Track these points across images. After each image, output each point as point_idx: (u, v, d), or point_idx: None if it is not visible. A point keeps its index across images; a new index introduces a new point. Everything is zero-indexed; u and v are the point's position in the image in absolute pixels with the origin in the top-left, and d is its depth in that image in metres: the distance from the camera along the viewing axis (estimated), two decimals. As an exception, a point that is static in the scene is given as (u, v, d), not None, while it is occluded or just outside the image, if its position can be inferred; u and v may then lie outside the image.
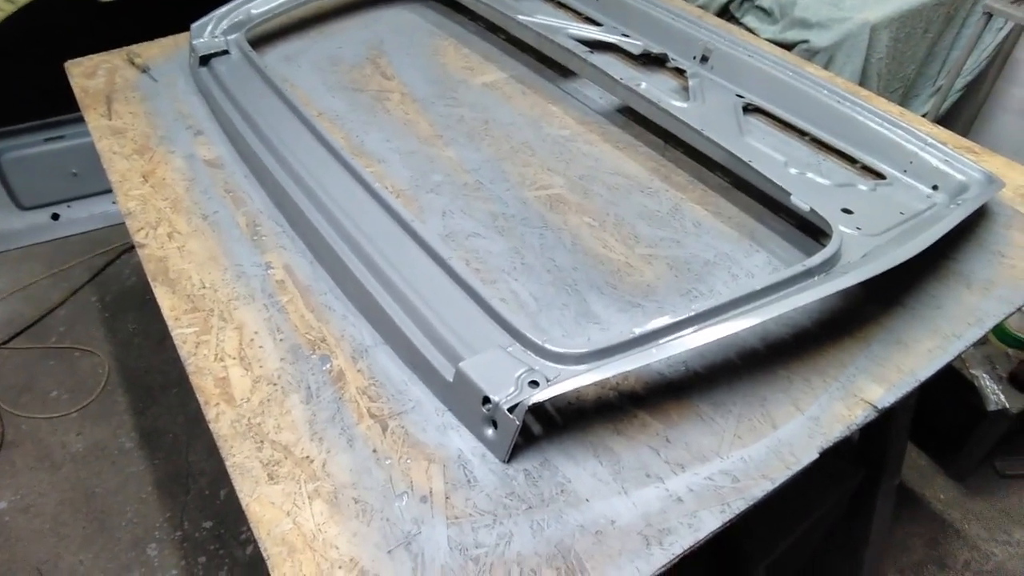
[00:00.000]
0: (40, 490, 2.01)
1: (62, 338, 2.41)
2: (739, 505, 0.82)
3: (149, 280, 1.14)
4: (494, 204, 1.28)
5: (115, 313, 2.50)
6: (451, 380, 0.89)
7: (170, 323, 1.06)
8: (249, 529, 1.92)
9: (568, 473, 0.86)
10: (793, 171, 1.32)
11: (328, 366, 0.99)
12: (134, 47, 1.75)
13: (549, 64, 1.68)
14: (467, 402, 0.88)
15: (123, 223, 2.71)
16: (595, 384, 0.91)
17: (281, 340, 1.03)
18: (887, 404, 0.95)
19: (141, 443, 2.11)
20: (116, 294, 2.57)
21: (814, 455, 0.90)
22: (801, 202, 1.18)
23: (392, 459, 0.87)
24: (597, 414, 0.93)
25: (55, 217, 2.78)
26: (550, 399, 0.84)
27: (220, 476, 2.02)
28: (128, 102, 1.57)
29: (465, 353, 0.90)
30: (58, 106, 2.57)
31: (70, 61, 1.73)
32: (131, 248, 2.72)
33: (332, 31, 1.83)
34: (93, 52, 1.74)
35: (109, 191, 2.80)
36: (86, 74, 1.68)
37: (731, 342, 1.02)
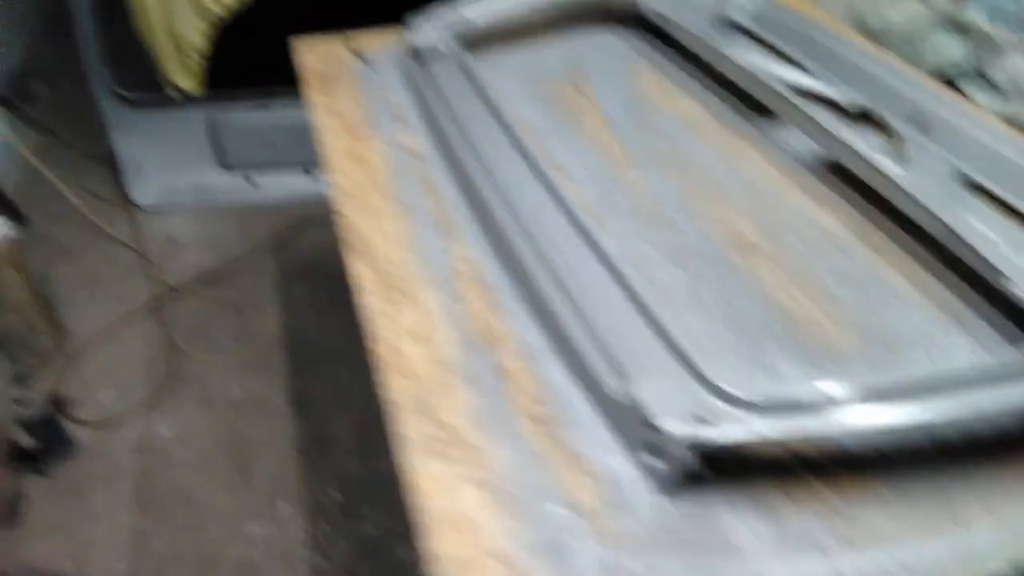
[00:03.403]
0: (198, 426, 2.20)
1: (239, 293, 2.64)
2: (913, 598, 0.75)
3: (343, 248, 1.23)
4: (676, 235, 1.26)
5: (289, 280, 2.70)
6: (617, 399, 0.88)
7: (357, 290, 1.13)
8: (371, 509, 2.01)
9: (727, 522, 0.82)
10: (1015, 258, 1.20)
11: (498, 362, 1.01)
12: (353, 34, 1.90)
13: (749, 103, 1.64)
14: (632, 425, 0.86)
15: (309, 198, 2.92)
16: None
17: (457, 328, 1.06)
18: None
19: (291, 403, 2.26)
20: (293, 263, 2.78)
21: (1003, 567, 0.80)
22: (1022, 291, 1.07)
23: (551, 465, 0.87)
24: (764, 468, 0.88)
25: (250, 181, 3.05)
26: (718, 441, 0.80)
27: (356, 450, 2.12)
28: (345, 84, 1.70)
29: (634, 375, 0.89)
30: (271, 79, 2.84)
31: (296, 39, 1.90)
32: (313, 223, 2.94)
33: (535, 44, 1.88)
34: (306, 32, 1.88)
35: (302, 166, 3.05)
36: (309, 53, 1.83)
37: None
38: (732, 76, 1.65)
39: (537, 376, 0.99)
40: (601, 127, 1.55)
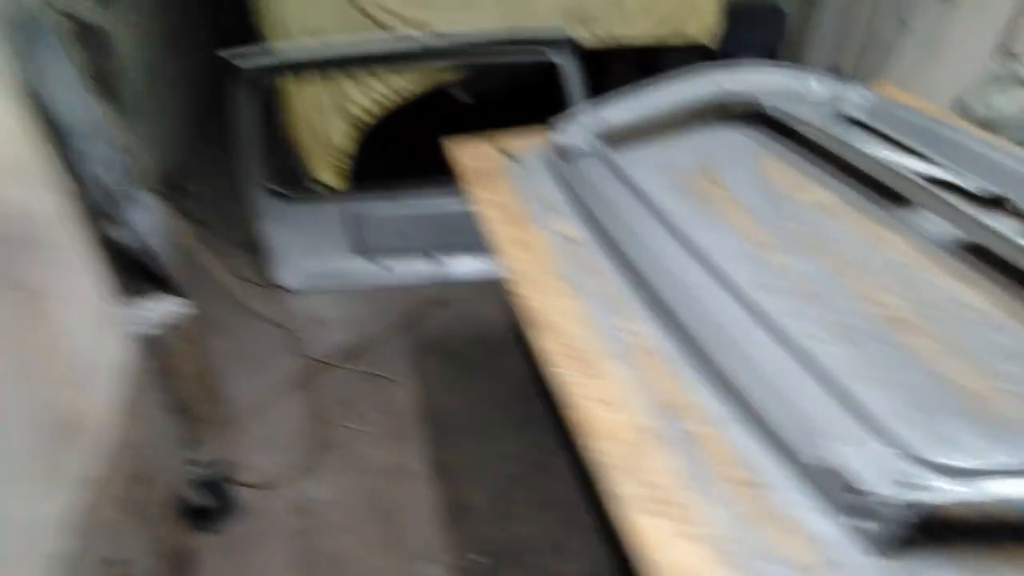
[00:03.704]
0: (349, 490, 2.37)
1: (378, 367, 2.85)
2: None
3: (524, 325, 1.39)
4: (832, 313, 1.37)
5: (422, 356, 2.90)
6: (818, 465, 0.98)
7: (548, 363, 1.28)
8: (510, 572, 2.10)
9: (935, 578, 0.90)
10: None
11: (691, 428, 1.13)
12: (501, 136, 2.13)
13: (879, 190, 1.75)
14: (835, 489, 0.96)
15: (432, 281, 3.14)
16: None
17: (645, 397, 1.19)
18: None
19: (432, 470, 2.41)
20: (424, 340, 2.99)
21: None
22: None
23: (759, 525, 0.97)
24: (966, 531, 0.95)
25: (384, 267, 3.32)
26: (930, 504, 0.89)
27: (494, 516, 2.23)
28: (498, 179, 1.92)
29: (830, 442, 0.99)
30: (408, 176, 3.17)
31: (448, 140, 2.15)
32: (439, 303, 3.16)
33: (666, 141, 2.07)
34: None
35: (430, 253, 3.31)
36: (462, 152, 2.07)
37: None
38: (861, 166, 1.77)
39: (728, 442, 1.10)
40: (741, 214, 1.70)
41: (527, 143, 2.10)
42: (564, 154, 1.90)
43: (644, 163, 1.94)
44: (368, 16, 2.79)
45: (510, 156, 2.03)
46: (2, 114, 1.59)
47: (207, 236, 3.54)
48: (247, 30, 6.71)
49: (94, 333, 1.88)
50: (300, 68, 2.85)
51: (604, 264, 1.55)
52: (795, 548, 0.94)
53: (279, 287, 3.30)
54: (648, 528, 0.98)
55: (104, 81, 3.17)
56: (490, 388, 2.73)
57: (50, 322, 1.65)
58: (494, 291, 3.21)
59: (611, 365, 1.27)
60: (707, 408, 1.16)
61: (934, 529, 0.94)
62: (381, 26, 2.81)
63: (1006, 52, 3.21)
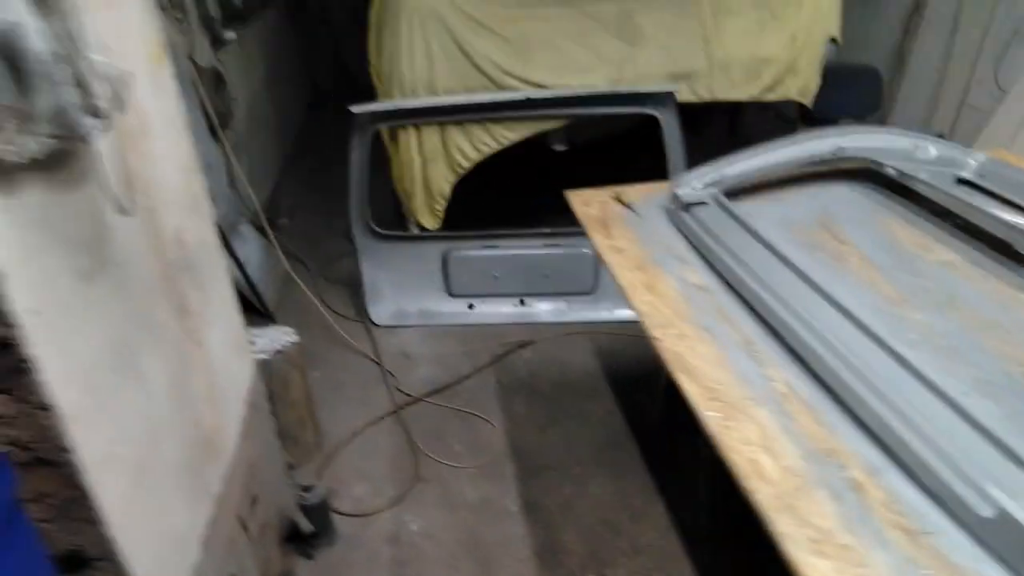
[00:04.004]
0: (441, 524, 2.40)
1: (466, 404, 2.91)
2: None
3: (669, 368, 1.43)
4: (976, 370, 1.37)
5: (509, 394, 2.95)
6: (984, 514, 0.99)
7: (695, 405, 1.32)
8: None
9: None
10: None
11: (845, 475, 1.15)
12: (618, 188, 2.21)
13: (1001, 251, 1.76)
14: (1006, 539, 0.96)
15: (519, 324, 3.23)
16: None
17: (797, 442, 1.21)
18: None
19: (523, 509, 2.43)
20: (510, 379, 3.04)
21: None
22: None
23: (928, 571, 0.98)
24: None
25: (471, 307, 3.41)
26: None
27: (588, 560, 2.23)
28: (620, 228, 1.99)
29: (1001, 495, 1.00)
30: (493, 223, 3.29)
31: (570, 192, 2.23)
32: (525, 344, 3.22)
33: (782, 197, 2.11)
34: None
35: (516, 296, 3.39)
36: (583, 203, 2.15)
37: None
38: (986, 227, 1.79)
39: (889, 490, 1.11)
40: (870, 269, 1.72)
41: (642, 193, 2.17)
42: (685, 205, 1.96)
43: (766, 216, 1.98)
44: (484, 74, 2.95)
45: (627, 205, 2.09)
46: (181, 151, 1.74)
47: (301, 270, 3.69)
48: (342, 83, 7.07)
49: (229, 355, 1.99)
50: (412, 115, 3.01)
51: (734, 310, 1.59)
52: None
53: (371, 322, 3.40)
54: (815, 568, 0.99)
55: (219, 120, 3.39)
56: (579, 431, 2.75)
57: (200, 342, 1.76)
58: (577, 335, 3.26)
59: (756, 409, 1.30)
60: (861, 455, 1.18)
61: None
62: (496, 84, 2.97)
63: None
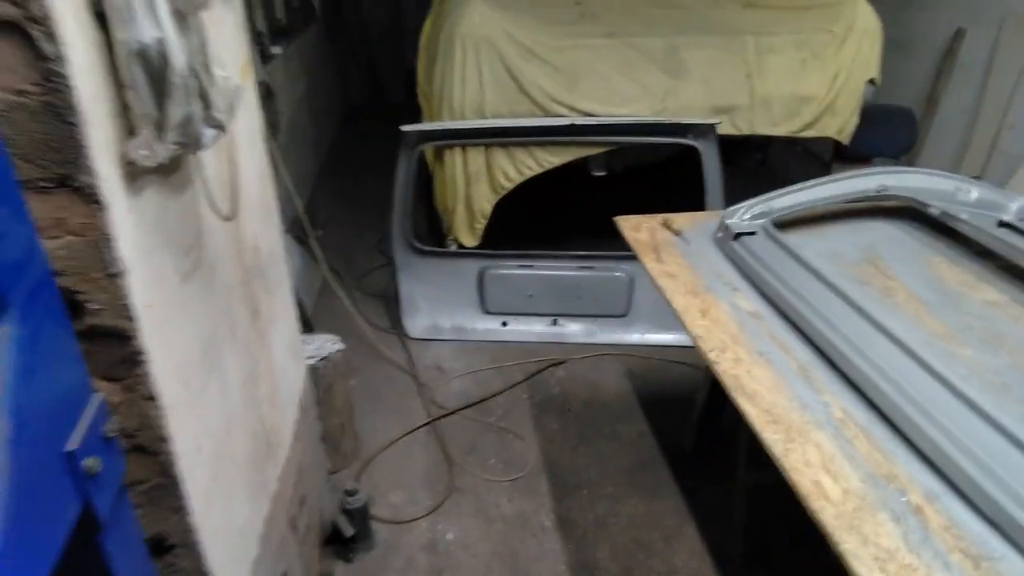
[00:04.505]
0: (476, 535, 2.44)
1: (500, 419, 2.96)
2: None
3: (729, 391, 1.48)
4: (1026, 406, 1.43)
5: (541, 412, 3.01)
6: (1047, 541, 1.04)
7: (757, 428, 1.37)
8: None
9: None
10: None
11: (905, 499, 1.20)
12: (668, 215, 2.28)
13: (1045, 293, 1.82)
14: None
15: (550, 343, 3.29)
16: None
17: (856, 466, 1.27)
18: None
19: (557, 525, 2.47)
20: (543, 397, 3.10)
21: None
22: None
23: (993, 592, 1.03)
24: None
25: (504, 324, 3.47)
26: None
27: (621, 577, 2.28)
28: (671, 254, 2.05)
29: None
30: (529, 243, 3.37)
31: (619, 217, 2.31)
32: (558, 363, 3.28)
33: (827, 232, 2.18)
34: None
35: (550, 315, 3.45)
36: (633, 228, 2.22)
37: None
38: (1030, 268, 1.84)
39: (948, 515, 1.16)
40: (917, 305, 1.78)
41: (689, 221, 2.24)
42: (735, 234, 2.03)
43: (812, 248, 2.04)
44: (533, 100, 3.05)
45: (676, 233, 2.17)
46: (259, 160, 1.83)
47: (336, 281, 3.77)
48: (374, 98, 7.20)
49: (287, 358, 2.06)
50: (460, 136, 3.11)
51: (787, 337, 1.65)
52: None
53: (405, 335, 3.47)
54: (880, 585, 1.05)
55: (268, 132, 3.49)
56: (611, 450, 2.80)
57: (267, 344, 1.84)
58: (608, 357, 3.32)
59: (816, 433, 1.35)
60: (919, 480, 1.23)
61: None
62: (543, 110, 3.06)
63: None
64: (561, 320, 3.47)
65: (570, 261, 3.38)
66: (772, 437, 1.34)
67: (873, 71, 3.24)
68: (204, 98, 1.18)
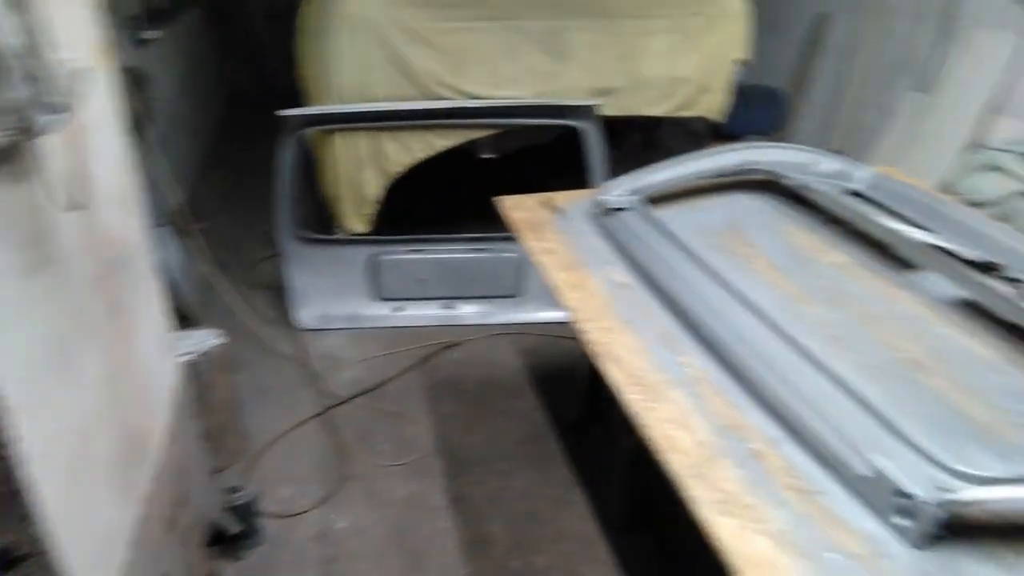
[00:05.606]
0: (369, 520, 2.43)
1: (393, 404, 2.95)
2: None
3: (596, 357, 1.54)
4: (860, 356, 1.55)
5: (435, 395, 3.02)
6: (866, 474, 1.15)
7: (620, 389, 1.43)
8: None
9: (971, 570, 1.05)
10: None
11: (749, 446, 1.28)
12: (546, 194, 2.33)
13: (884, 255, 1.97)
14: (881, 494, 1.12)
15: (444, 326, 3.31)
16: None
17: (707, 420, 1.35)
18: None
19: (451, 503, 2.50)
20: (436, 380, 3.11)
21: None
22: None
23: (818, 525, 1.13)
24: (990, 529, 1.11)
25: (398, 310, 3.45)
26: (961, 505, 1.06)
27: (514, 549, 2.32)
28: (550, 232, 2.10)
29: (875, 457, 1.15)
30: (419, 228, 3.36)
31: (499, 197, 2.33)
32: (453, 345, 3.29)
33: (696, 204, 2.28)
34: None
35: (443, 298, 3.46)
36: (513, 208, 2.26)
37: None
38: (872, 233, 2.00)
39: (784, 457, 1.26)
40: (772, 269, 1.90)
41: (569, 200, 2.30)
42: (609, 210, 2.10)
43: (681, 221, 2.13)
44: (419, 84, 3.03)
45: (555, 210, 2.21)
46: (117, 148, 1.73)
47: (222, 274, 3.63)
48: (261, 86, 6.94)
49: (157, 356, 1.98)
50: (344, 121, 3.05)
51: (653, 305, 1.73)
52: (849, 542, 1.09)
53: (295, 326, 3.39)
54: (722, 525, 1.12)
55: (139, 120, 3.32)
56: (503, 427, 2.84)
57: (131, 341, 1.75)
58: (501, 336, 3.36)
59: (673, 392, 1.42)
60: (762, 429, 1.32)
61: (962, 527, 1.10)
62: (429, 93, 3.05)
63: (978, 143, 3.56)
64: (455, 303, 3.48)
65: (461, 244, 3.39)
66: (632, 397, 1.40)
67: (743, 52, 3.41)
68: (41, 81, 1.11)
